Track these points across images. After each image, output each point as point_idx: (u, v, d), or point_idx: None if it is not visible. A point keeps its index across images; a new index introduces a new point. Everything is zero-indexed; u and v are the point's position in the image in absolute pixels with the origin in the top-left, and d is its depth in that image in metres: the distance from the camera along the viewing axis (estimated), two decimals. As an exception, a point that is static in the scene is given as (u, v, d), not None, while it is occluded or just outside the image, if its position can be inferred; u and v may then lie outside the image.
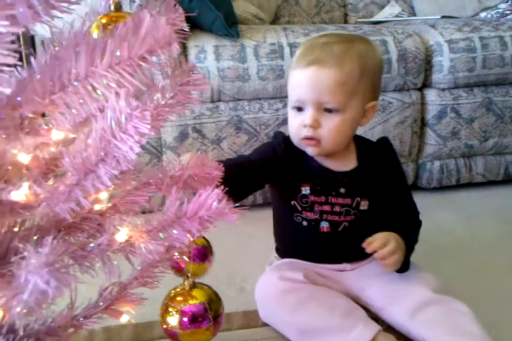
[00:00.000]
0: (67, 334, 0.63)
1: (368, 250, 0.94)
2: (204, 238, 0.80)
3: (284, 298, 0.96)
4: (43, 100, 0.46)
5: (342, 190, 1.01)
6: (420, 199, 1.13)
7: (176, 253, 0.70)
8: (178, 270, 0.71)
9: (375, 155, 1.04)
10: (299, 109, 0.95)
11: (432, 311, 0.93)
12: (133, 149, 0.41)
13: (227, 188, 0.71)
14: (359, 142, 1.05)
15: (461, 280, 1.14)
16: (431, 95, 1.58)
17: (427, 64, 1.56)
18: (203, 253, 0.75)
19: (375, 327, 0.92)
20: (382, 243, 0.93)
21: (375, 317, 0.98)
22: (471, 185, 1.70)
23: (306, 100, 0.93)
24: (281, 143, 1.01)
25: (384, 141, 1.07)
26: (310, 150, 0.98)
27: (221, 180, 0.78)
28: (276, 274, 1.01)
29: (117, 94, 0.43)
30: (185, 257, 0.71)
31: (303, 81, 0.93)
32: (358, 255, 1.07)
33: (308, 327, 0.93)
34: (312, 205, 1.01)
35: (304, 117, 0.94)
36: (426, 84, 1.59)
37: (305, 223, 1.03)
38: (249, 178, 0.98)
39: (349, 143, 1.02)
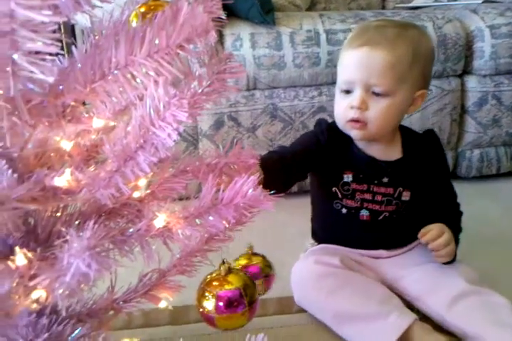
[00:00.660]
0: (107, 316, 0.65)
1: (423, 240, 0.94)
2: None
3: (320, 281, 0.97)
4: (84, 88, 0.47)
5: (385, 180, 1.00)
6: (459, 189, 1.12)
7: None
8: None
9: (421, 147, 1.03)
10: (347, 92, 0.95)
11: (469, 302, 0.92)
12: (171, 136, 0.41)
13: (270, 180, 0.73)
14: (405, 132, 1.04)
15: (501, 271, 1.11)
16: (471, 82, 1.55)
17: (467, 50, 1.52)
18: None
19: (411, 316, 0.92)
20: (437, 234, 0.93)
21: (410, 307, 0.98)
22: (511, 174, 1.66)
23: (355, 81, 0.92)
24: (325, 130, 1.01)
25: (431, 134, 1.06)
26: (354, 133, 0.97)
27: (264, 173, 0.80)
28: (313, 258, 1.01)
29: (156, 82, 0.43)
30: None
31: (354, 61, 0.93)
32: (396, 243, 1.06)
33: (343, 312, 0.93)
34: (353, 193, 1.01)
35: (351, 99, 0.93)
36: (466, 70, 1.55)
37: (344, 210, 1.03)
38: (292, 170, 0.97)
39: (395, 132, 1.02)
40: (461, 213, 1.06)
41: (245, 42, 1.41)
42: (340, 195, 1.02)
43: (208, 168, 0.60)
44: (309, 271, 1.00)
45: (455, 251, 0.97)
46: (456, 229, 1.01)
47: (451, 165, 1.63)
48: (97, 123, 0.51)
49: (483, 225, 1.35)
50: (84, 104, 0.56)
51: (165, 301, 0.65)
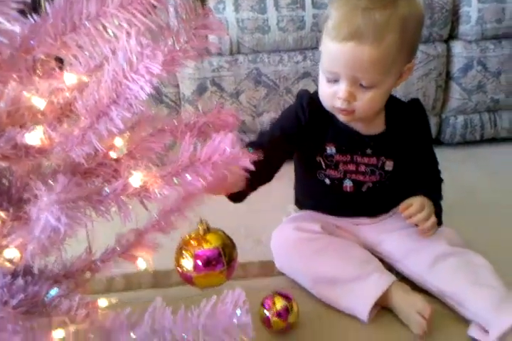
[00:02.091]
0: (84, 277, 0.65)
1: (405, 214, 0.94)
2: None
3: (301, 247, 0.98)
4: (55, 42, 0.46)
5: (368, 151, 1.00)
6: (443, 155, 1.12)
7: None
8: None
9: (405, 118, 1.01)
10: (333, 80, 0.91)
11: (449, 262, 0.94)
12: (144, 89, 0.40)
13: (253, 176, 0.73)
14: (389, 103, 0.99)
15: (482, 236, 1.13)
16: (457, 47, 1.53)
17: (453, 15, 1.49)
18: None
19: (391, 277, 0.93)
20: (417, 209, 0.94)
21: (390, 269, 0.99)
22: (495, 140, 1.66)
23: (342, 75, 0.88)
24: (307, 105, 0.99)
25: (415, 104, 1.05)
26: (341, 117, 0.96)
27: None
28: (293, 225, 1.02)
29: (128, 34, 0.42)
30: None
31: (339, 56, 0.87)
32: (378, 211, 1.07)
33: (323, 275, 0.94)
34: (337, 164, 1.01)
35: (337, 89, 0.90)
36: (452, 35, 1.53)
37: (328, 181, 1.03)
38: (274, 161, 0.95)
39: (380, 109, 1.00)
40: (441, 180, 1.06)
41: (228, 5, 1.37)
42: (323, 166, 1.01)
43: (187, 127, 0.59)
44: (289, 237, 1.00)
45: (437, 222, 0.98)
46: (437, 196, 1.02)
47: (435, 132, 1.63)
48: (70, 78, 0.49)
49: (466, 190, 1.37)
50: (61, 62, 0.55)
51: (143, 260, 0.65)
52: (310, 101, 0.99)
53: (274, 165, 0.97)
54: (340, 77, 0.89)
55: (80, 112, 0.46)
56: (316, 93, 0.98)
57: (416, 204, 0.94)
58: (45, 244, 0.37)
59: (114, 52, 0.44)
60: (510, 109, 1.63)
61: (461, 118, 1.61)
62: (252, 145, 0.96)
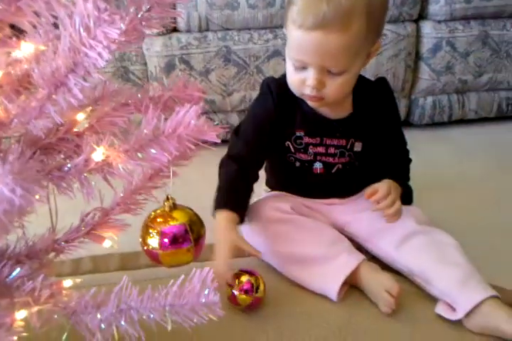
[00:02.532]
0: (48, 258, 0.63)
1: (372, 200, 0.94)
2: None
3: (270, 227, 0.97)
4: (8, 7, 0.43)
5: (337, 134, 1.00)
6: (412, 135, 1.12)
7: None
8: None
9: (372, 99, 1.00)
10: (301, 67, 0.89)
11: (417, 241, 0.95)
12: (102, 56, 0.38)
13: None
14: (356, 84, 0.96)
15: (450, 215, 1.14)
16: (426, 27, 1.53)
17: (423, -6, 1.49)
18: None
19: (360, 256, 0.94)
20: (383, 195, 0.93)
21: (359, 248, 1.00)
22: (463, 121, 1.68)
23: (310, 63, 0.86)
24: (276, 96, 0.97)
25: (382, 83, 1.04)
26: (311, 103, 0.95)
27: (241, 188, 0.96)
28: (263, 205, 1.01)
29: (86, -2, 0.40)
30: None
31: (307, 46, 0.85)
32: (348, 192, 1.07)
33: (293, 255, 0.94)
34: (306, 147, 1.00)
35: (306, 76, 0.88)
36: (422, 15, 1.53)
37: (298, 164, 1.02)
38: (259, 163, 1.03)
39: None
40: (410, 160, 1.06)
41: (197, -20, 1.34)
42: (293, 149, 1.01)
43: (151, 101, 0.57)
44: (260, 217, 1.00)
45: (406, 202, 0.98)
46: (405, 177, 1.03)
47: (404, 113, 1.64)
48: (26, 47, 0.47)
49: (435, 170, 1.38)
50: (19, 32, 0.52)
51: (110, 241, 0.63)
52: (277, 90, 0.97)
53: (259, 168, 1.03)
54: (308, 64, 0.87)
55: (37, 82, 0.44)
56: (282, 78, 0.97)
57: (382, 190, 0.93)
58: (1, 218, 0.35)
59: (70, 18, 0.42)
60: (478, 90, 1.65)
61: (429, 100, 1.62)
62: (232, 157, 0.99)
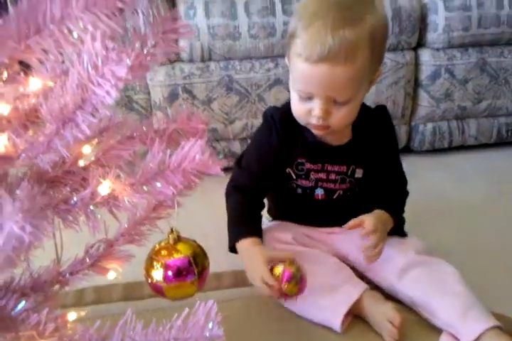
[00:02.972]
0: (53, 290, 0.63)
1: (360, 235, 0.94)
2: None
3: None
4: (18, 45, 0.44)
5: (338, 160, 1.01)
6: (412, 162, 1.13)
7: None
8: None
9: (371, 126, 1.01)
10: (306, 97, 0.90)
11: (418, 271, 0.94)
12: (110, 94, 0.39)
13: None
14: None
15: (450, 241, 1.14)
16: (425, 55, 1.55)
17: (421, 23, 1.52)
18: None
19: (362, 286, 0.93)
20: (371, 229, 0.92)
21: (361, 277, 0.99)
22: (463, 147, 1.69)
23: (316, 94, 0.87)
24: (280, 126, 0.98)
25: (381, 110, 1.05)
26: (316, 132, 0.95)
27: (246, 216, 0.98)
28: (265, 235, 1.01)
29: (93, 37, 0.41)
30: None
31: (313, 78, 0.86)
32: (349, 220, 1.07)
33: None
34: (308, 173, 1.01)
35: (312, 106, 0.89)
36: (420, 43, 1.55)
37: (299, 190, 1.03)
38: (263, 192, 1.05)
39: None
40: (407, 193, 1.07)
41: (199, 10, 1.37)
42: (294, 176, 1.01)
43: (156, 134, 0.58)
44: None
45: (399, 234, 1.01)
46: (400, 210, 1.04)
47: (404, 139, 1.65)
48: (35, 83, 0.47)
49: (435, 197, 1.38)
50: (26, 67, 0.53)
51: (114, 272, 0.63)
52: (280, 121, 0.98)
53: (264, 196, 1.05)
54: (314, 95, 0.88)
55: (45, 118, 0.45)
56: (285, 106, 0.98)
57: (368, 226, 0.92)
58: (10, 255, 0.35)
59: (79, 56, 0.43)
60: (477, 117, 1.66)
61: (429, 126, 1.63)
62: (237, 188, 1.01)
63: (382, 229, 0.94)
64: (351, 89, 0.87)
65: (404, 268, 0.95)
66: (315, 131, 0.95)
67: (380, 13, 0.89)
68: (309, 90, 0.88)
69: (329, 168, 1.00)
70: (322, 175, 1.01)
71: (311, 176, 1.01)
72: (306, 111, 0.91)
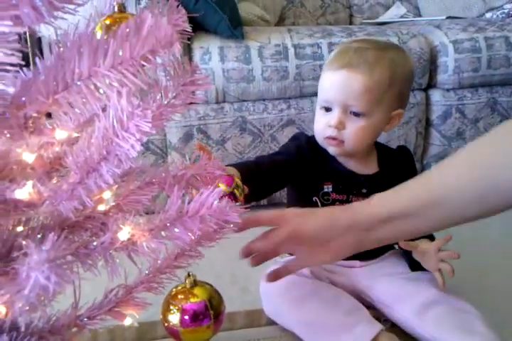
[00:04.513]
0: (70, 333, 0.64)
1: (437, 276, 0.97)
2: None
3: (288, 291, 0.97)
4: (46, 99, 0.47)
5: (364, 190, 1.02)
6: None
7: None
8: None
9: (395, 162, 1.06)
10: (327, 109, 0.98)
11: (439, 310, 0.93)
12: (134, 147, 0.41)
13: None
14: (380, 148, 1.07)
15: (467, 279, 1.13)
16: (436, 95, 1.58)
17: (431, 64, 1.56)
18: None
19: (377, 326, 0.92)
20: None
21: (377, 317, 0.98)
22: (476, 186, 1.69)
23: (334, 101, 0.95)
24: (305, 143, 1.03)
25: (404, 150, 1.11)
26: (332, 150, 1.00)
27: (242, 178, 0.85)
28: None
29: (119, 93, 0.43)
30: None
31: (332, 83, 0.96)
32: (370, 254, 1.07)
33: (310, 322, 0.93)
34: (333, 203, 1.02)
35: (330, 117, 0.96)
36: (431, 84, 1.59)
37: None
38: (269, 179, 0.98)
39: (371, 148, 1.05)
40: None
41: (214, 55, 1.42)
42: (320, 205, 1.02)
43: (174, 179, 0.60)
44: (277, 282, 0.99)
45: None
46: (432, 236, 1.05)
47: (417, 177, 1.66)
48: (60, 134, 0.50)
49: (448, 232, 1.37)
50: (48, 115, 0.56)
51: (130, 318, 0.64)
52: (308, 141, 1.03)
53: (267, 183, 0.98)
54: (332, 105, 0.95)
55: (70, 168, 0.47)
56: (312, 137, 1.03)
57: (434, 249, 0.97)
58: (33, 302, 0.36)
59: (104, 110, 0.45)
60: (490, 155, 1.67)
61: (442, 164, 1.64)
62: (249, 161, 1.02)
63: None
64: (367, 101, 0.93)
65: (424, 306, 0.94)
66: (331, 150, 1.00)
67: (406, 54, 1.01)
68: (328, 97, 0.96)
69: (354, 199, 1.02)
70: None
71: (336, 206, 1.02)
72: (325, 124, 0.97)
